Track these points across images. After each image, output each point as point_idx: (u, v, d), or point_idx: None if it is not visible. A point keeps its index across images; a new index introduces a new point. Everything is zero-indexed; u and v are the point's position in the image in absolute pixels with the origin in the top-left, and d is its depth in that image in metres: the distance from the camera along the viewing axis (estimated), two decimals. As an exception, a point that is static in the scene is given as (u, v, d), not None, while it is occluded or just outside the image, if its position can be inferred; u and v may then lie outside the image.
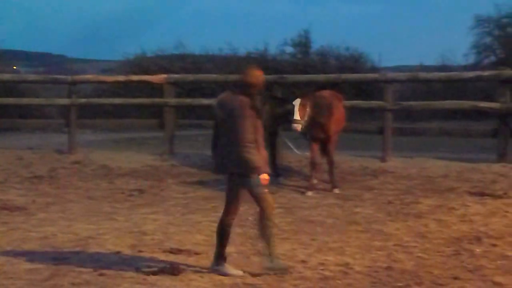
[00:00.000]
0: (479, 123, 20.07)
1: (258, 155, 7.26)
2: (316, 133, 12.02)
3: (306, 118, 11.68)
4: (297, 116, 11.58)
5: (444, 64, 31.52)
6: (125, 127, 20.83)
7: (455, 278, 7.22)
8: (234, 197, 7.56)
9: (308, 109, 11.70)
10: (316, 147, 12.20)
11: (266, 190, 7.45)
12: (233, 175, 7.40)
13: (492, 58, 33.20)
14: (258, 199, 7.44)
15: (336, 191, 11.95)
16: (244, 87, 7.40)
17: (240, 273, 7.43)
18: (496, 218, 9.66)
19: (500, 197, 10.86)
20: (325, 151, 12.36)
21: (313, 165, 12.18)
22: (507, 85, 13.27)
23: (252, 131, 7.23)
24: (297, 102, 11.63)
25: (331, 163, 12.20)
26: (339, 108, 12.46)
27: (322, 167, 12.63)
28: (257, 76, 7.49)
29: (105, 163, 15.07)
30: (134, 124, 20.17)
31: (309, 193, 11.85)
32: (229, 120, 7.32)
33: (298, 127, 11.61)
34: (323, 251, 8.34)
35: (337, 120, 12.26)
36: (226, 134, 7.37)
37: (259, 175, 7.28)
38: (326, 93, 12.65)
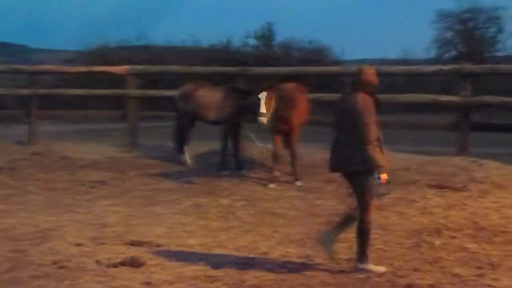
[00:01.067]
0: (439, 116, 20.26)
1: (381, 154, 7.25)
2: (278, 125, 12.04)
3: (271, 111, 11.70)
4: (263, 109, 11.57)
5: (406, 58, 31.81)
6: (87, 118, 20.68)
7: (415, 270, 7.29)
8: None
9: (273, 102, 11.71)
10: (278, 139, 12.22)
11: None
12: (352, 174, 7.30)
13: (453, 53, 33.60)
14: (363, 200, 7.28)
15: (298, 183, 11.99)
16: (362, 86, 7.37)
17: (383, 269, 7.28)
18: (455, 211, 9.76)
19: (459, 190, 10.97)
20: (287, 143, 12.38)
21: (276, 157, 12.20)
22: (468, 79, 13.39)
23: (376, 129, 7.25)
24: (263, 95, 11.62)
25: (293, 156, 12.23)
26: (302, 101, 12.48)
27: (285, 160, 12.66)
28: (373, 74, 7.47)
29: (66, 154, 14.93)
30: (96, 116, 20.00)
31: (271, 185, 11.88)
32: (351, 119, 7.25)
33: (264, 120, 11.61)
34: (285, 243, 8.37)
35: (300, 112, 12.28)
36: (346, 133, 7.32)
37: (380, 173, 7.20)
38: (289, 85, 12.66)
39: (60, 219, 9.49)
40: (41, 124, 17.28)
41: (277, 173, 12.22)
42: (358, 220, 7.31)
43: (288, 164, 12.52)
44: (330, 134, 7.68)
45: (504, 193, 10.74)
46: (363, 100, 7.26)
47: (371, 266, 7.28)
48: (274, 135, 12.23)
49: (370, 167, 7.16)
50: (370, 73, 7.43)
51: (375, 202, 7.39)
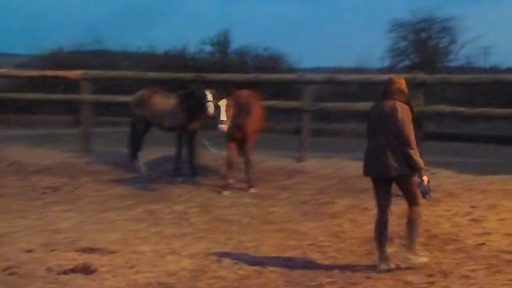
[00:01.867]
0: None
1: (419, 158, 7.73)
2: (233, 132, 12.03)
3: (230, 119, 11.70)
4: (223, 117, 11.55)
5: (361, 66, 32.07)
6: (39, 123, 20.41)
7: (368, 278, 7.34)
8: (389, 197, 7.92)
9: (231, 110, 11.71)
10: (233, 146, 12.22)
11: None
12: (396, 177, 7.72)
13: (407, 62, 33.97)
14: (412, 195, 7.81)
15: (252, 190, 11.99)
16: (395, 94, 7.82)
17: (425, 259, 7.85)
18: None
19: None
20: (242, 150, 12.39)
21: (230, 164, 12.19)
22: (421, 88, 13.54)
23: (414, 135, 7.71)
24: (223, 103, 11.60)
25: (248, 163, 12.24)
26: (257, 108, 12.50)
27: (239, 167, 12.66)
28: (404, 83, 7.98)
29: (18, 159, 14.73)
30: (49, 120, 19.77)
31: (225, 193, 11.86)
32: (392, 125, 7.68)
33: (225, 127, 11.57)
34: (239, 250, 8.37)
35: (254, 120, 12.30)
36: (386, 140, 7.71)
37: (422, 176, 7.72)
38: (244, 93, 12.67)
39: (11, 225, 9.37)
40: (-7, 129, 17.04)
41: (231, 180, 12.21)
42: (410, 213, 7.84)
43: (242, 171, 12.52)
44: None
45: (456, 201, 10.87)
46: (401, 107, 7.72)
47: (417, 258, 7.80)
48: (228, 142, 12.23)
49: (415, 170, 7.70)
50: (402, 82, 7.96)
51: (422, 200, 7.92)
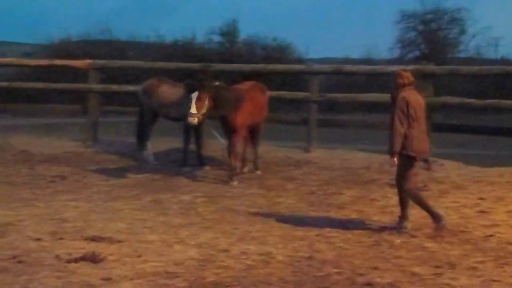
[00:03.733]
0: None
1: None
2: (223, 125, 11.95)
3: (204, 111, 11.39)
4: (193, 109, 11.27)
5: (369, 57, 32.01)
6: (47, 112, 20.46)
7: (375, 268, 7.33)
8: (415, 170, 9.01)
9: (206, 102, 11.41)
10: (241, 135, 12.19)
11: None
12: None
13: (416, 53, 33.89)
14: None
15: (235, 183, 11.81)
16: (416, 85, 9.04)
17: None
18: (415, 210, 9.80)
19: (420, 189, 11.06)
20: (252, 140, 12.47)
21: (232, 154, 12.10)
22: (429, 79, 13.52)
23: None
24: (194, 95, 11.34)
25: (234, 155, 11.98)
26: (257, 99, 12.37)
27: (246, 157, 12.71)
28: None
29: (26, 148, 14.77)
30: (57, 110, 19.81)
31: (234, 182, 11.81)
32: (424, 112, 8.88)
33: (194, 120, 11.33)
34: (246, 240, 8.37)
35: (248, 112, 12.04)
36: (422, 125, 8.78)
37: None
38: (247, 84, 12.63)
39: (19, 214, 9.39)
40: (1, 118, 17.08)
41: (237, 170, 12.18)
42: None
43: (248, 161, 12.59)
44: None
45: (463, 193, 10.88)
46: (423, 99, 9.05)
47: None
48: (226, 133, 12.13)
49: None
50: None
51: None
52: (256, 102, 12.33)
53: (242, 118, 11.93)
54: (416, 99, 8.75)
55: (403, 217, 8.97)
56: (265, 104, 12.68)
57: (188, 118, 11.33)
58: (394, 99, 8.69)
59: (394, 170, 12.01)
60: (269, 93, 13.05)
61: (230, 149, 11.97)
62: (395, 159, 8.71)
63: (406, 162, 8.75)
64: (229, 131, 11.98)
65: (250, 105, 12.08)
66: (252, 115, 12.21)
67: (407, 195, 8.89)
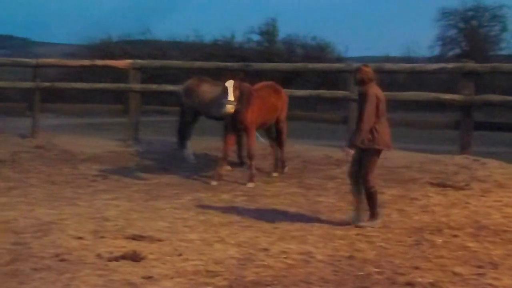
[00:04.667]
0: (441, 115, 20.26)
1: None
2: (231, 121, 11.84)
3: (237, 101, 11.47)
4: (231, 97, 11.36)
5: (409, 55, 31.74)
6: (88, 112, 20.68)
7: (416, 268, 7.28)
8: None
9: (238, 92, 11.49)
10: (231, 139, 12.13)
11: None
12: None
13: (457, 51, 33.53)
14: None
15: (250, 185, 11.75)
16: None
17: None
18: (457, 209, 9.76)
19: (461, 188, 10.98)
20: (277, 141, 12.50)
21: (225, 157, 12.14)
22: (470, 77, 13.39)
23: None
24: (230, 84, 11.41)
25: (245, 151, 12.02)
26: (267, 99, 12.32)
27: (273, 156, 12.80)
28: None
29: (68, 148, 14.94)
30: (98, 109, 20.03)
31: (250, 184, 11.68)
32: (385, 108, 9.07)
33: (232, 108, 11.38)
34: (286, 239, 8.36)
35: (257, 111, 12.00)
36: (384, 119, 9.08)
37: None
38: (261, 84, 12.60)
39: (61, 212, 9.49)
40: (43, 117, 17.28)
41: (254, 171, 12.05)
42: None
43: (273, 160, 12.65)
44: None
45: (506, 192, 10.75)
46: None
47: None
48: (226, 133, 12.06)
49: None
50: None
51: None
52: (266, 101, 12.31)
53: (253, 116, 11.92)
54: (382, 94, 9.05)
55: (359, 209, 9.13)
56: (278, 104, 12.56)
57: (226, 107, 11.37)
58: (362, 94, 8.96)
59: (436, 168, 11.97)
60: (309, 92, 13.01)
61: (248, 151, 12.11)
62: (353, 151, 8.92)
63: (374, 155, 9.03)
64: (237, 127, 11.98)
65: (259, 103, 12.06)
66: (261, 114, 12.18)
67: (368, 186, 9.00)
